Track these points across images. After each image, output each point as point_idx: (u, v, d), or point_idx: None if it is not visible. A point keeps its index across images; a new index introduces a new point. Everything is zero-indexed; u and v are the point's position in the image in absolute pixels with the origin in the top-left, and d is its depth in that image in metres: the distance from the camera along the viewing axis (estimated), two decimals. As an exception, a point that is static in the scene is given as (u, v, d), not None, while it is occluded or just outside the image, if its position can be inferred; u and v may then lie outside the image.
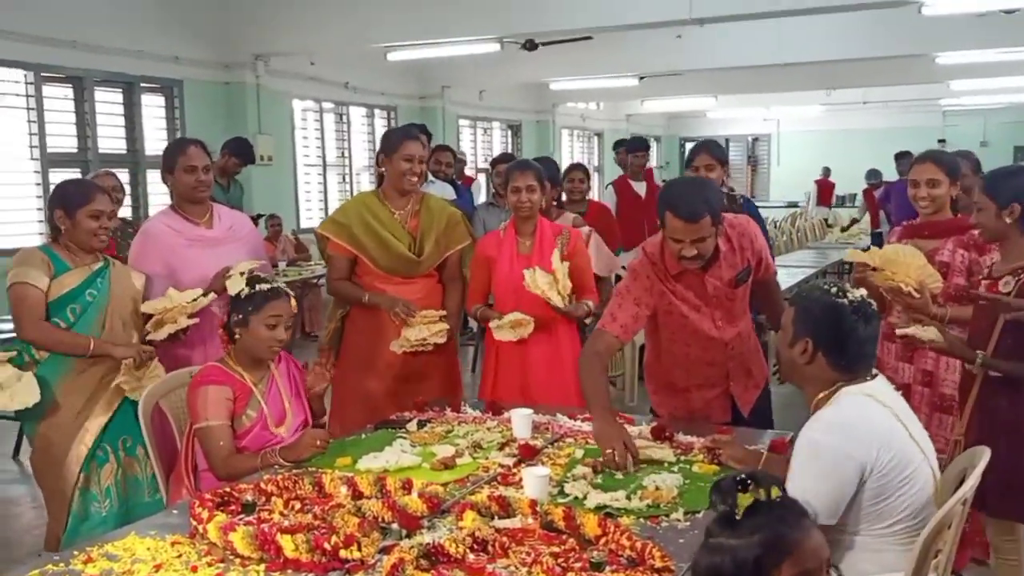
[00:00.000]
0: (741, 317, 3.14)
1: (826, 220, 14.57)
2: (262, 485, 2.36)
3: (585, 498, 2.30)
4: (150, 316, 3.29)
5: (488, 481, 2.48)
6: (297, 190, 9.84)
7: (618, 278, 4.47)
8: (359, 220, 3.66)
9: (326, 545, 1.94)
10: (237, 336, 2.84)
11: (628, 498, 2.29)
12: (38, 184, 7.18)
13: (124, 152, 7.94)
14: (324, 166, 10.39)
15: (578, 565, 1.91)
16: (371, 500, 2.22)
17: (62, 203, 3.19)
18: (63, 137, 7.43)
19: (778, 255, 8.74)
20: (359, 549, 1.95)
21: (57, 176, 6.92)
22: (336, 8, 8.00)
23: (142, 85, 7.97)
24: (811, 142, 19.44)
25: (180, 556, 2.03)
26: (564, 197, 5.47)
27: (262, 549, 1.99)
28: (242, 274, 3.03)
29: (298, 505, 2.30)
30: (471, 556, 1.95)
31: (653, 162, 10.57)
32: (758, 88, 13.91)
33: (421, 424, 3.03)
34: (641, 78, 11.83)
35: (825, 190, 16.55)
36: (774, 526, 1.44)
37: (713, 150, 3.86)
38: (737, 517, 1.46)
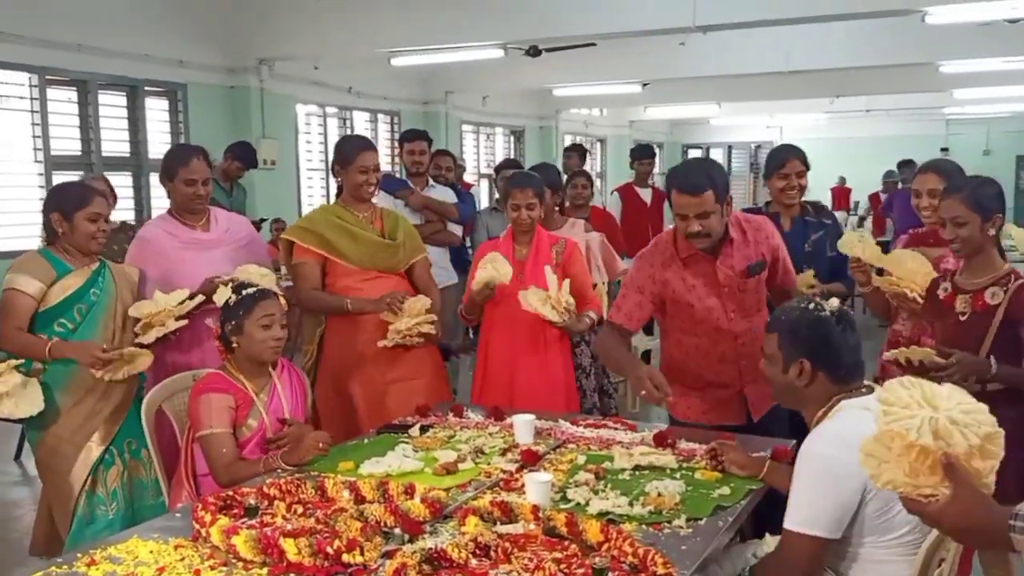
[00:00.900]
0: (755, 312, 3.12)
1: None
2: (265, 489, 2.36)
3: (587, 504, 2.30)
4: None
5: (490, 486, 2.48)
6: (300, 194, 9.86)
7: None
8: (326, 223, 3.62)
9: (329, 549, 1.94)
10: (235, 345, 2.84)
11: (631, 504, 2.29)
12: (42, 187, 7.18)
13: (128, 155, 7.95)
14: (327, 171, 10.39)
15: (580, 571, 1.91)
16: (373, 504, 2.22)
17: (59, 206, 3.19)
18: (67, 140, 7.45)
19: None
20: (362, 553, 1.95)
21: (61, 179, 6.93)
22: (340, 13, 8.02)
23: (146, 88, 7.99)
24: (814, 150, 19.23)
25: (183, 559, 2.03)
26: (567, 203, 5.48)
27: (265, 553, 1.99)
28: (226, 284, 3.04)
29: (300, 509, 2.30)
30: (473, 561, 1.95)
31: (657, 169, 10.54)
32: (762, 96, 13.94)
33: (423, 429, 3.03)
34: (644, 85, 11.86)
35: (840, 197, 16.59)
36: None
37: (802, 156, 3.74)
38: None
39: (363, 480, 2.43)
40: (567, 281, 3.53)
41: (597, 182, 11.87)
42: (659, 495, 2.33)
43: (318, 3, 8.03)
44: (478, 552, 1.98)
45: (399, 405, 3.42)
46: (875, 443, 1.54)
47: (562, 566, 1.92)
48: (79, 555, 2.06)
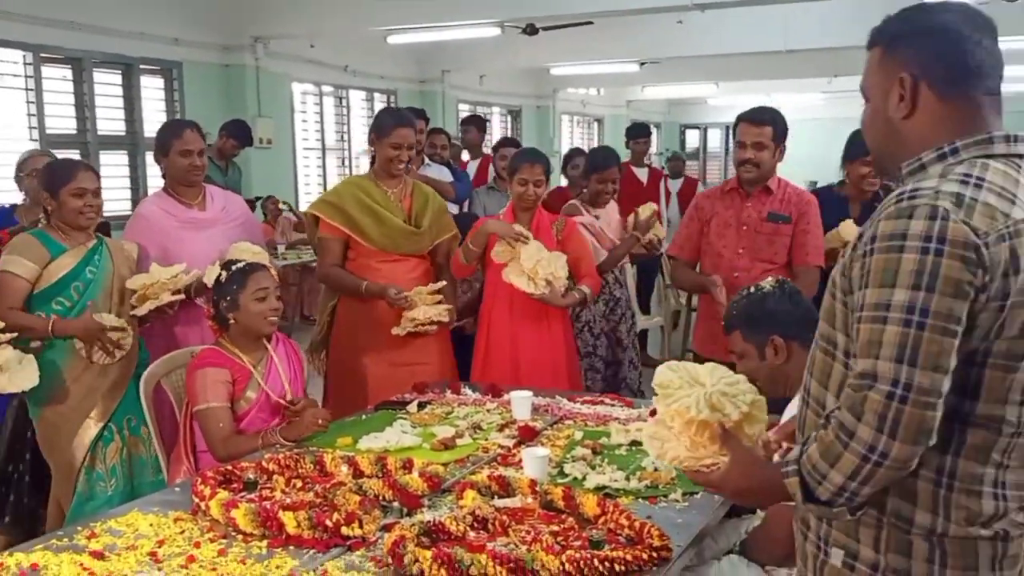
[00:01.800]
0: (765, 260, 3.39)
1: None
2: (264, 464, 2.38)
3: (584, 478, 2.32)
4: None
5: (488, 461, 2.49)
6: (296, 173, 9.83)
7: None
8: (353, 199, 3.59)
9: (328, 522, 1.96)
10: (232, 321, 2.85)
11: (627, 479, 2.31)
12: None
13: (123, 134, 7.91)
14: (323, 149, 10.36)
15: (577, 543, 1.93)
16: (372, 479, 2.24)
17: (46, 184, 3.19)
18: (62, 119, 7.41)
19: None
20: (361, 526, 1.97)
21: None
22: (336, -9, 7.97)
23: (141, 67, 7.94)
24: (812, 130, 19.38)
25: (183, 532, 2.05)
26: (564, 183, 5.48)
27: (264, 526, 2.01)
28: (214, 265, 3.05)
29: (299, 483, 2.32)
30: (471, 534, 1.97)
31: (653, 148, 10.54)
32: (759, 75, 13.87)
33: (421, 405, 3.04)
34: (642, 64, 11.80)
35: None
36: None
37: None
38: None
39: (361, 455, 2.45)
40: (555, 254, 3.53)
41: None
42: (655, 470, 2.35)
43: (314, -19, 7.98)
44: (476, 525, 2.00)
45: (407, 387, 3.41)
46: (657, 426, 1.66)
47: (559, 538, 1.94)
48: (79, 528, 2.08)
